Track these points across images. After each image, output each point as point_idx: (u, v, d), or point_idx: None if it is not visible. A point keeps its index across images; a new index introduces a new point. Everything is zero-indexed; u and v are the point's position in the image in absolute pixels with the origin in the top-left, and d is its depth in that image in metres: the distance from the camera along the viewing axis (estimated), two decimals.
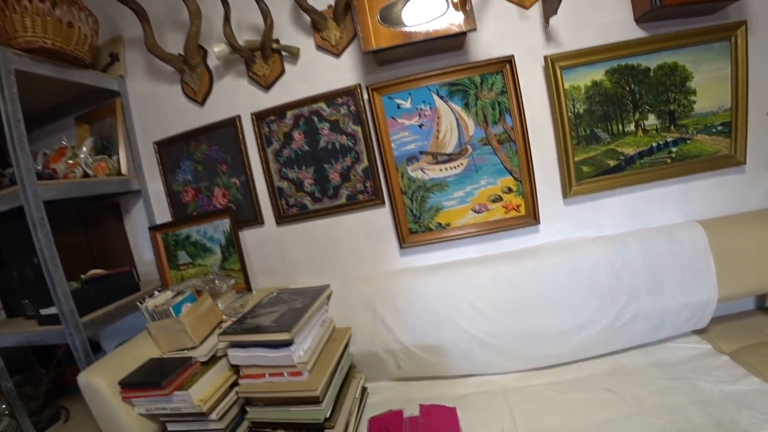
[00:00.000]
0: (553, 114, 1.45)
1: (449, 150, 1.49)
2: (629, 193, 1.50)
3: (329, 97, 1.54)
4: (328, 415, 1.14)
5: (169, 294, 1.38)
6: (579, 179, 1.47)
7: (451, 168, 1.49)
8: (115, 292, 1.51)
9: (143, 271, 1.91)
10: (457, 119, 1.47)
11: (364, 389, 1.43)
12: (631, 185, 1.48)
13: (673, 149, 1.47)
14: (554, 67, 1.41)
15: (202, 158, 1.72)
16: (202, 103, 1.68)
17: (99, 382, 1.12)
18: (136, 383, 1.13)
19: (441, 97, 1.46)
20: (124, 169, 1.72)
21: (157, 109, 1.73)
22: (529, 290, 1.39)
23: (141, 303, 1.31)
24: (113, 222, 1.87)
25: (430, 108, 1.47)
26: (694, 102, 1.44)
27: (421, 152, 1.50)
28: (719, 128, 1.45)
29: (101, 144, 1.74)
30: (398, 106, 1.48)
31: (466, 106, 1.46)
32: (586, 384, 1.30)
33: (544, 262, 1.41)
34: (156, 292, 1.38)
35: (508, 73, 1.43)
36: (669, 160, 1.48)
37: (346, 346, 1.40)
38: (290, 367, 1.15)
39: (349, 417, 1.23)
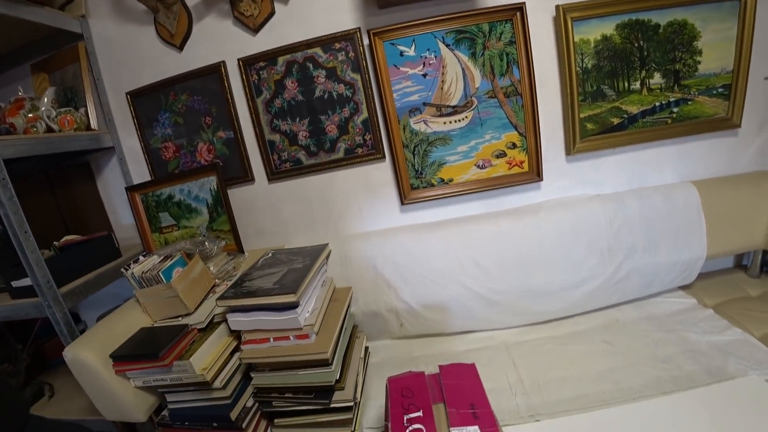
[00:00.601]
0: (561, 68, 1.40)
1: (454, 102, 1.42)
2: (629, 152, 1.50)
3: (326, 42, 1.42)
4: (338, 377, 1.12)
5: (156, 258, 1.29)
6: (583, 136, 1.45)
7: (455, 121, 1.43)
8: (93, 259, 1.41)
9: (122, 236, 1.78)
10: (463, 69, 1.39)
11: (366, 349, 1.41)
12: (632, 144, 1.48)
13: (675, 109, 1.47)
14: (565, 17, 1.35)
15: (182, 110, 1.57)
16: (180, 47, 1.51)
17: (88, 356, 1.03)
18: (130, 355, 1.05)
19: (447, 45, 1.37)
20: (93, 124, 1.56)
21: (128, 55, 1.55)
22: (532, 247, 1.39)
23: (126, 269, 1.21)
24: (84, 183, 1.72)
25: (435, 56, 1.38)
26: (699, 62, 1.43)
27: (424, 104, 1.43)
28: (720, 90, 1.46)
29: (65, 95, 1.56)
30: (401, 54, 1.38)
31: (473, 55, 1.38)
32: (584, 337, 1.34)
33: (546, 219, 1.40)
34: (141, 257, 1.29)
35: (518, 22, 1.35)
36: (670, 121, 1.48)
37: (349, 306, 1.36)
38: (296, 330, 1.10)
39: (357, 377, 1.22)
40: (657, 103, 1.46)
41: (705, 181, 1.49)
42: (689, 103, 1.47)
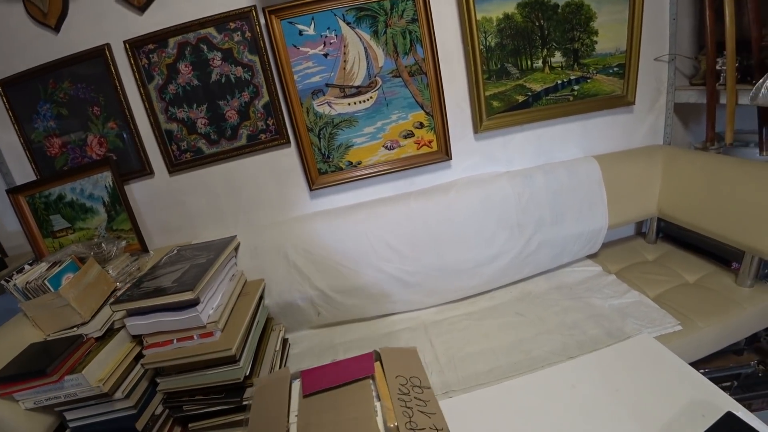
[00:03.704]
0: (465, 46, 1.41)
1: (358, 82, 1.38)
2: (535, 129, 1.55)
3: (219, 21, 1.31)
4: (248, 373, 1.08)
5: (43, 266, 1.17)
6: (489, 114, 1.47)
7: (360, 102, 1.40)
8: None
9: (10, 245, 1.59)
10: (365, 48, 1.35)
11: (285, 341, 1.36)
12: (537, 121, 1.53)
13: (576, 87, 1.53)
14: None
15: (65, 100, 1.40)
16: (56, 28, 1.34)
17: None
18: (14, 375, 0.94)
19: (348, 23, 1.33)
20: None
21: None
22: (444, 226, 1.39)
23: (7, 281, 1.09)
24: None
25: (336, 35, 1.33)
26: (596, 42, 1.49)
27: (327, 85, 1.37)
28: (615, 69, 1.53)
29: None
30: (300, 33, 1.32)
31: (375, 34, 1.35)
32: (498, 311, 1.37)
33: (457, 197, 1.41)
34: (26, 266, 1.18)
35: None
36: (571, 98, 1.54)
37: (261, 298, 1.31)
38: (200, 329, 1.04)
39: (272, 369, 1.18)
40: (559, 81, 1.51)
41: (605, 156, 1.57)
42: (588, 81, 1.53)
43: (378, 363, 0.89)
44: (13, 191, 1.44)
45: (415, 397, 0.78)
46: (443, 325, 1.34)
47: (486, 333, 1.27)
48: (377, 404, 0.77)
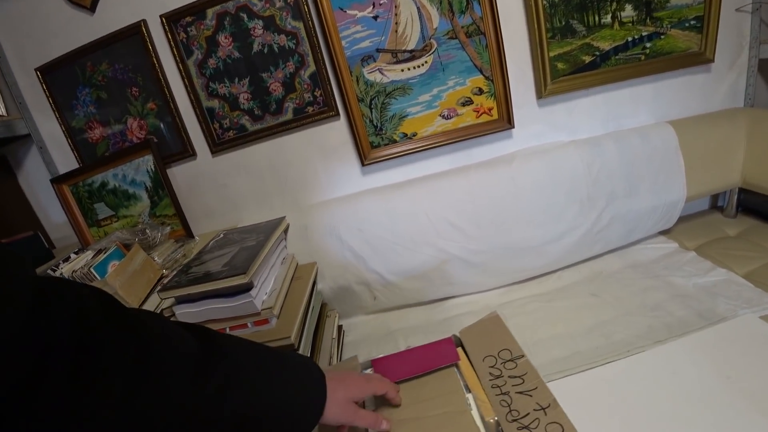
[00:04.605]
0: (526, 1, 1.27)
1: (411, 46, 1.26)
2: (602, 93, 1.40)
3: None
4: None
5: (89, 254, 1.15)
6: (554, 77, 1.34)
7: (414, 67, 1.28)
8: None
9: (57, 236, 1.58)
10: (418, 8, 1.23)
11: (339, 327, 1.29)
12: (605, 84, 1.38)
13: (648, 44, 1.37)
14: None
15: (103, 82, 1.36)
16: (91, 8, 1.29)
17: None
18: None
19: None
20: (1, 109, 1.34)
21: (29, 23, 1.31)
22: (508, 201, 1.28)
23: (53, 271, 1.07)
24: (2, 179, 1.50)
25: None
26: None
27: (378, 50, 1.26)
28: (692, 22, 1.36)
29: None
30: None
31: None
32: (569, 292, 1.26)
33: (521, 169, 1.29)
34: (72, 255, 1.15)
35: None
36: (643, 57, 1.38)
37: (314, 283, 1.23)
38: (254, 316, 0.97)
39: (330, 359, 1.11)
40: (629, 38, 1.35)
41: (680, 121, 1.42)
42: (662, 37, 1.37)
43: (460, 349, 0.80)
44: (57, 181, 1.43)
45: (509, 377, 0.69)
46: (510, 307, 1.23)
47: (558, 316, 1.16)
48: (468, 396, 0.68)
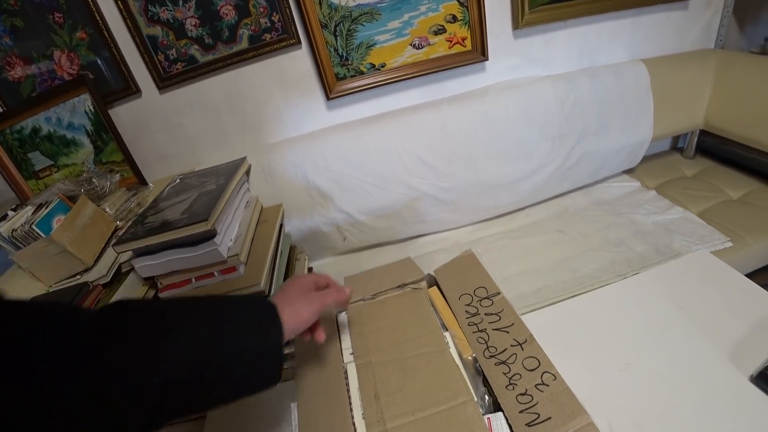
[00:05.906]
0: None
1: None
2: (581, 26, 1.35)
3: None
4: None
5: (28, 210, 1.04)
6: (532, 6, 1.25)
7: None
8: None
9: None
10: None
11: (310, 270, 1.26)
12: (585, 15, 1.32)
13: None
14: None
15: (17, 7, 1.13)
16: None
17: None
18: None
19: None
20: None
21: None
22: (481, 137, 1.24)
23: None
24: None
25: None
26: None
27: None
28: None
29: None
30: None
31: None
32: (538, 228, 1.29)
33: (494, 104, 1.25)
34: (9, 213, 1.03)
35: None
36: None
37: (281, 226, 1.17)
38: (220, 264, 0.91)
39: None
40: None
41: (653, 60, 1.40)
42: None
43: (435, 288, 0.80)
44: None
45: (485, 314, 0.69)
46: (480, 244, 1.25)
47: (527, 251, 1.19)
48: (446, 334, 0.68)
